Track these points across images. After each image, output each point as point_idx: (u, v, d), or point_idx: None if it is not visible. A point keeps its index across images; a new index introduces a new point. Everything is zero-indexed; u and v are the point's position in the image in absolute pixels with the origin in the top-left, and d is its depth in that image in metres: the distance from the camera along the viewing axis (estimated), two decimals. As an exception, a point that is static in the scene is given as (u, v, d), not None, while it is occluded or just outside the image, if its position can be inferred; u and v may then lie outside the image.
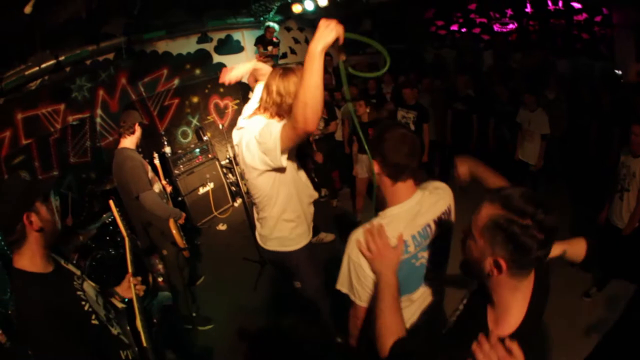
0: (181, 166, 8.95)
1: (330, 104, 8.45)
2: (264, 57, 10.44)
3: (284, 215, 3.53)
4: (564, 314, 4.85)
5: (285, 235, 3.61)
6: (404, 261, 2.32)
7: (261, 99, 3.31)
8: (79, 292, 2.37)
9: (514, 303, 1.68)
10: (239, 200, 9.29)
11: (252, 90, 4.36)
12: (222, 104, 10.75)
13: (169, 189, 5.90)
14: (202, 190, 9.06)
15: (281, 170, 3.26)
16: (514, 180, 7.38)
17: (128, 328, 2.72)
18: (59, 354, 2.13)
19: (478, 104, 8.43)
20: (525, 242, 1.50)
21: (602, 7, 10.45)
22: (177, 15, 9.01)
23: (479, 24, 13.19)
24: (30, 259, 2.20)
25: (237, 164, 4.17)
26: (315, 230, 6.64)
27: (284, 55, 12.37)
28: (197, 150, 9.34)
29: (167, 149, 8.73)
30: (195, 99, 10.37)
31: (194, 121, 10.32)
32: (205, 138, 9.73)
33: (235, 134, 3.47)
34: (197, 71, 10.57)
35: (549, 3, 11.50)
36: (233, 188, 9.64)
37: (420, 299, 2.57)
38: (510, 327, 1.66)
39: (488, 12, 12.86)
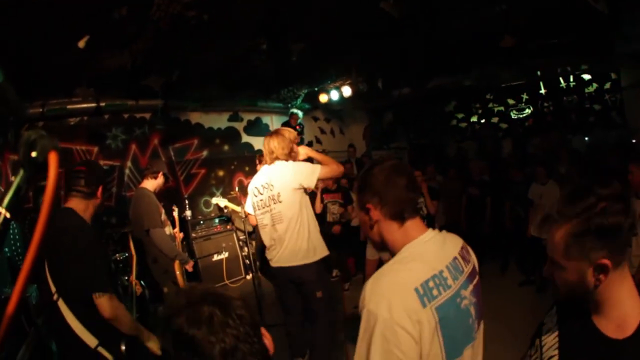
0: (199, 231, 9.08)
1: (347, 190, 8.43)
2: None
3: (314, 227, 4.56)
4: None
5: (317, 244, 4.55)
6: (448, 300, 1.68)
7: (269, 155, 4.53)
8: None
9: (624, 296, 1.46)
10: (251, 275, 9.15)
11: None
12: (246, 182, 10.74)
13: (179, 236, 6.03)
14: (216, 257, 9.08)
15: (305, 194, 4.51)
16: (531, 257, 7.11)
17: None
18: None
19: (492, 187, 8.55)
20: (613, 222, 1.37)
21: (610, 73, 10.77)
22: (213, 90, 9.27)
23: (497, 113, 13.47)
24: (84, 209, 3.01)
25: (262, 207, 4.39)
26: None
27: (310, 144, 12.58)
28: (217, 220, 9.51)
29: (188, 213, 8.89)
30: (221, 173, 10.55)
31: (218, 193, 10.41)
32: (226, 210, 9.75)
33: (261, 178, 4.62)
34: (226, 147, 10.83)
35: (561, 80, 11.81)
36: (247, 261, 9.52)
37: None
38: (633, 324, 1.42)
39: (505, 100, 13.16)
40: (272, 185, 4.44)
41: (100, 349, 2.75)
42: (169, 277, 5.38)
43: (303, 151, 4.75)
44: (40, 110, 7.46)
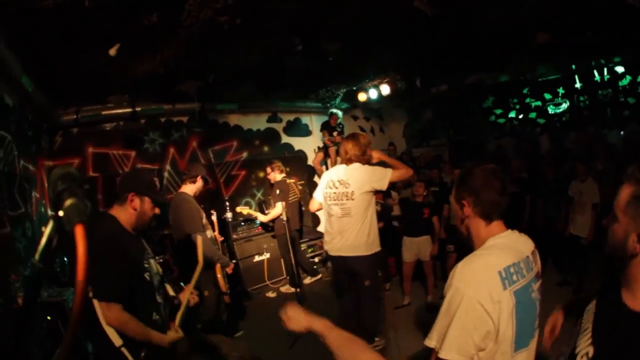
0: (240, 232, 9.04)
1: (388, 190, 8.29)
2: (330, 142, 10.46)
3: (374, 224, 5.10)
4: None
5: (374, 240, 5.09)
6: (523, 287, 1.90)
7: (347, 155, 5.04)
8: (144, 255, 3.11)
9: None
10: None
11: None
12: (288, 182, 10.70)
13: (219, 239, 5.94)
14: (257, 258, 9.04)
15: (374, 195, 5.07)
16: (565, 256, 6.85)
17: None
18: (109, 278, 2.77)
19: (531, 185, 8.25)
20: None
21: None
22: (250, 92, 9.22)
23: (534, 108, 13.26)
24: (124, 218, 3.01)
25: (334, 199, 4.93)
26: None
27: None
28: (258, 221, 9.29)
29: (229, 214, 8.85)
30: (261, 174, 10.43)
31: (259, 195, 10.45)
32: (267, 211, 9.68)
33: (338, 173, 5.12)
34: (266, 148, 10.86)
35: (595, 73, 11.58)
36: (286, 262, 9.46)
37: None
38: None
39: (542, 94, 12.99)
40: (348, 184, 4.97)
41: (123, 349, 2.81)
42: (210, 280, 5.38)
43: (376, 155, 5.25)
44: (74, 116, 7.56)
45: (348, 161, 5.07)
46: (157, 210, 3.17)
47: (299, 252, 8.68)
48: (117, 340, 2.79)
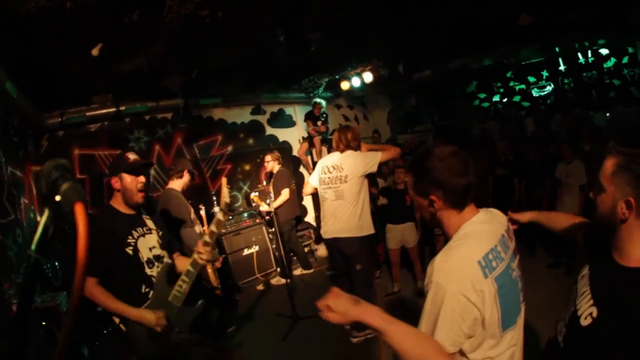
0: (228, 226, 8.98)
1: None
2: (315, 132, 10.42)
3: (367, 207, 5.41)
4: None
5: (366, 223, 5.38)
6: (503, 271, 1.86)
7: (342, 144, 5.44)
8: (132, 231, 3.29)
9: None
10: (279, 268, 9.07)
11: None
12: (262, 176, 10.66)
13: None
14: (246, 252, 9.01)
15: (367, 178, 5.41)
16: (554, 238, 6.92)
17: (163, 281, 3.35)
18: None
19: (518, 167, 8.31)
20: None
21: (628, 47, 10.68)
22: (233, 85, 9.13)
23: (519, 91, 13.26)
24: (117, 201, 3.32)
25: (327, 183, 5.46)
26: None
27: (334, 132, 12.29)
28: (246, 214, 9.45)
29: (216, 209, 8.67)
30: (247, 167, 10.51)
31: (245, 187, 10.41)
32: (254, 204, 9.63)
33: (332, 159, 5.52)
34: (250, 141, 10.76)
35: (579, 56, 11.64)
36: (277, 254, 9.39)
37: (516, 336, 1.97)
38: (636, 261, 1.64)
39: (525, 77, 13.00)
40: (342, 168, 5.34)
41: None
42: (200, 276, 5.35)
43: (365, 148, 5.74)
44: (60, 119, 7.45)
45: (342, 149, 5.46)
46: (140, 179, 3.28)
47: (296, 242, 8.74)
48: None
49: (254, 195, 8.06)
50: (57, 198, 1.05)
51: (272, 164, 8.42)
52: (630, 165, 1.59)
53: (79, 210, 1.01)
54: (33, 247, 1.05)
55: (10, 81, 5.35)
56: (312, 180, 5.82)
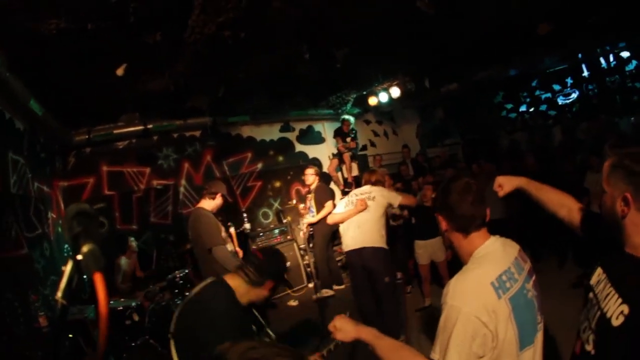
0: (259, 242, 8.93)
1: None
2: (344, 148, 10.35)
3: (385, 230, 5.65)
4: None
5: (385, 238, 5.60)
6: (517, 291, 1.90)
7: (372, 180, 5.91)
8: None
9: None
10: (312, 284, 8.88)
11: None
12: (303, 190, 10.54)
13: (240, 253, 5.82)
14: (277, 268, 8.73)
15: (388, 208, 5.81)
16: (585, 251, 6.67)
17: None
18: None
19: (546, 180, 7.82)
20: (636, 168, 1.61)
21: None
22: (261, 102, 9.15)
23: (545, 100, 13.14)
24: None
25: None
26: None
27: (364, 148, 12.48)
28: (277, 230, 9.34)
29: (247, 226, 8.66)
30: (277, 184, 10.50)
31: (276, 204, 10.37)
32: (285, 221, 9.61)
33: (364, 189, 5.78)
34: (280, 158, 10.77)
35: (602, 61, 11.50)
36: (309, 269, 9.25)
37: (535, 355, 1.99)
38: None
39: (551, 86, 12.88)
40: (371, 193, 5.63)
41: None
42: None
43: (388, 182, 6.68)
44: (87, 136, 7.55)
45: (373, 184, 5.86)
46: None
47: (331, 256, 8.62)
48: None
49: (302, 207, 8.13)
50: (79, 257, 1.13)
51: (312, 177, 8.22)
52: (622, 162, 1.65)
53: (99, 281, 1.11)
54: (60, 294, 1.13)
55: (34, 99, 5.42)
56: (337, 210, 5.99)
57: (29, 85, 5.16)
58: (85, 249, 1.14)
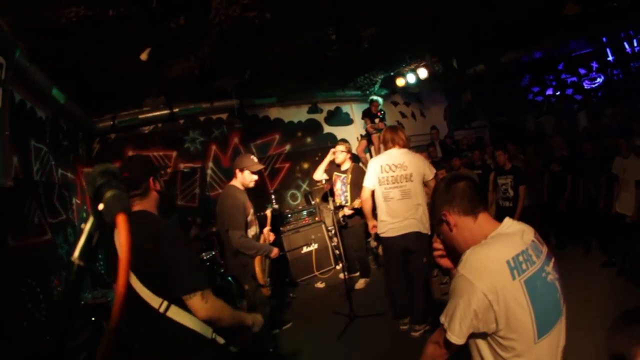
0: (287, 224, 8.90)
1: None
2: (373, 129, 10.14)
3: (426, 208, 5.19)
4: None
5: (428, 224, 5.16)
6: (535, 274, 1.79)
7: (400, 141, 5.31)
8: None
9: None
10: (340, 265, 8.69)
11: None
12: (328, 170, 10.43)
13: (271, 237, 5.62)
14: (305, 249, 8.83)
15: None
16: (605, 236, 6.46)
17: None
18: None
19: (572, 164, 7.85)
20: None
21: None
22: (288, 84, 9.03)
23: (571, 84, 12.91)
24: (150, 208, 2.68)
25: (392, 182, 5.27)
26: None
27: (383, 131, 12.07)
28: (305, 212, 9.26)
29: (276, 207, 8.46)
30: (305, 165, 10.36)
31: (304, 186, 10.29)
32: (313, 202, 9.51)
33: (391, 158, 5.26)
34: (308, 139, 10.65)
35: (626, 45, 11.22)
36: (337, 251, 9.08)
37: (556, 340, 1.88)
38: None
39: (576, 69, 12.64)
40: (405, 166, 5.17)
41: (215, 335, 2.57)
42: (248, 272, 5.11)
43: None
44: (111, 123, 7.55)
45: (398, 145, 5.31)
46: None
47: (363, 246, 8.07)
48: (208, 332, 2.53)
49: (357, 202, 6.90)
50: (100, 207, 1.04)
51: (344, 155, 7.54)
52: None
53: (121, 221, 1.01)
54: (76, 254, 1.02)
55: (57, 88, 5.39)
56: (367, 183, 5.47)
57: (52, 73, 5.10)
58: (108, 194, 1.05)
